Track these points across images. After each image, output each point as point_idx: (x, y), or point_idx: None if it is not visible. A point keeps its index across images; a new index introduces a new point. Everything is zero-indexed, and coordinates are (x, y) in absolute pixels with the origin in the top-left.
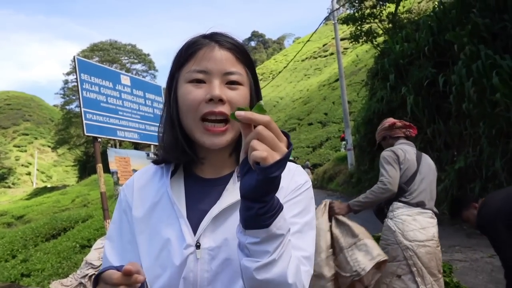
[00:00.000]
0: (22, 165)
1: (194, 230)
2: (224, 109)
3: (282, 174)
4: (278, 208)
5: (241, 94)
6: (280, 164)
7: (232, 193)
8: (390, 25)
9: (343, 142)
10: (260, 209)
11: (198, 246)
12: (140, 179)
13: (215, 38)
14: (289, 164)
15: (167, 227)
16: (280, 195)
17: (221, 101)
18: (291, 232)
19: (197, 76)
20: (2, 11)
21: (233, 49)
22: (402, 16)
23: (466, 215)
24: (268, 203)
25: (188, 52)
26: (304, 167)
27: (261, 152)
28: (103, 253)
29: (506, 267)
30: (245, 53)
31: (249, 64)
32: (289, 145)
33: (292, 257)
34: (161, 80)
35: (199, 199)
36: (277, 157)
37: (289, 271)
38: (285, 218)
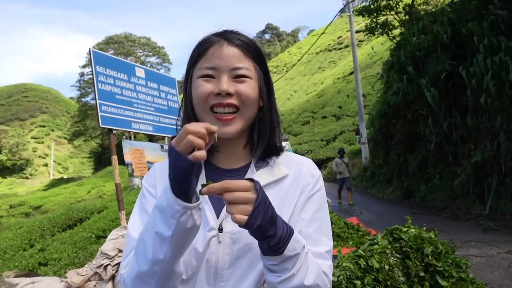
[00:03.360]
0: (39, 157)
1: (217, 215)
2: (232, 100)
3: (293, 165)
4: (288, 237)
5: (249, 86)
6: (254, 217)
7: None
8: (407, 17)
9: (358, 136)
10: (269, 243)
11: (220, 230)
12: (161, 170)
13: (225, 36)
14: (301, 158)
15: None
16: (298, 185)
17: (228, 94)
18: (314, 228)
19: (207, 72)
20: (17, 5)
21: (242, 45)
22: (419, 7)
23: None
24: (275, 237)
25: (199, 50)
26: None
27: (234, 217)
28: (127, 234)
29: None
30: (255, 49)
31: (259, 59)
32: (257, 191)
33: (312, 264)
34: (175, 72)
35: None
36: (245, 218)
37: (308, 278)
38: (298, 239)
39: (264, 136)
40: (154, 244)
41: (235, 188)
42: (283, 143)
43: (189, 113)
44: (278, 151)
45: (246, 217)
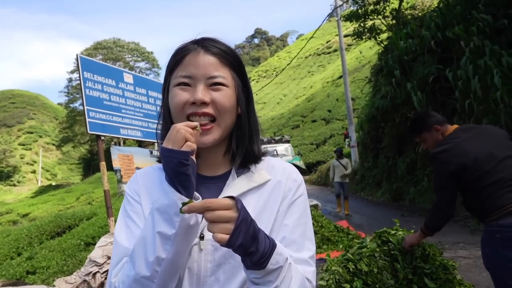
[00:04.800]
0: (27, 163)
1: None
2: (208, 109)
3: (275, 171)
4: (270, 251)
5: (224, 94)
6: (235, 236)
7: (232, 188)
8: (394, 21)
9: (347, 139)
10: (252, 259)
11: (202, 238)
12: (144, 178)
13: (202, 44)
14: (283, 163)
15: None
16: (279, 191)
17: (204, 103)
18: (297, 234)
19: (183, 80)
20: (4, 10)
21: (219, 53)
22: (406, 12)
23: (424, 137)
24: (257, 253)
25: (176, 58)
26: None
27: (215, 236)
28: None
29: (435, 207)
30: (232, 57)
31: (236, 67)
32: (239, 210)
33: (296, 274)
34: None
35: (201, 194)
36: (226, 237)
37: None
38: (281, 252)
39: (243, 144)
40: (156, 244)
41: (216, 207)
42: (286, 145)
43: (167, 120)
44: (257, 158)
45: (227, 236)
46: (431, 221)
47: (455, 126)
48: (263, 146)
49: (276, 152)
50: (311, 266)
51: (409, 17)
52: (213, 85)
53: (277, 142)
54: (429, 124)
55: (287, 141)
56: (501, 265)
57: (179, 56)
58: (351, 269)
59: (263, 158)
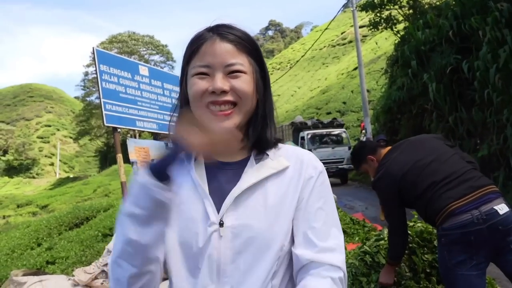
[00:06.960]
0: (46, 156)
1: (218, 210)
2: (228, 97)
3: (294, 158)
4: None
5: (243, 81)
6: None
7: (251, 175)
8: (411, 11)
9: (363, 131)
10: None
11: (221, 224)
12: None
13: (218, 31)
14: (302, 150)
15: (192, 207)
16: (300, 179)
17: (224, 92)
18: (321, 222)
19: (201, 70)
20: (20, 5)
21: (235, 40)
22: (423, 1)
23: (365, 169)
24: None
25: (193, 48)
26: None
27: None
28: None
29: (390, 235)
30: (249, 43)
31: (253, 53)
32: None
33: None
34: (179, 70)
35: (219, 181)
36: None
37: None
38: None
39: (256, 129)
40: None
41: None
42: (339, 131)
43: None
44: (269, 144)
45: None
46: (390, 251)
47: (387, 148)
48: (306, 132)
49: (327, 140)
50: (340, 253)
51: (427, 6)
52: (232, 72)
53: (326, 126)
54: (363, 156)
55: (340, 125)
56: (449, 269)
57: (195, 46)
58: (368, 262)
59: (280, 145)
